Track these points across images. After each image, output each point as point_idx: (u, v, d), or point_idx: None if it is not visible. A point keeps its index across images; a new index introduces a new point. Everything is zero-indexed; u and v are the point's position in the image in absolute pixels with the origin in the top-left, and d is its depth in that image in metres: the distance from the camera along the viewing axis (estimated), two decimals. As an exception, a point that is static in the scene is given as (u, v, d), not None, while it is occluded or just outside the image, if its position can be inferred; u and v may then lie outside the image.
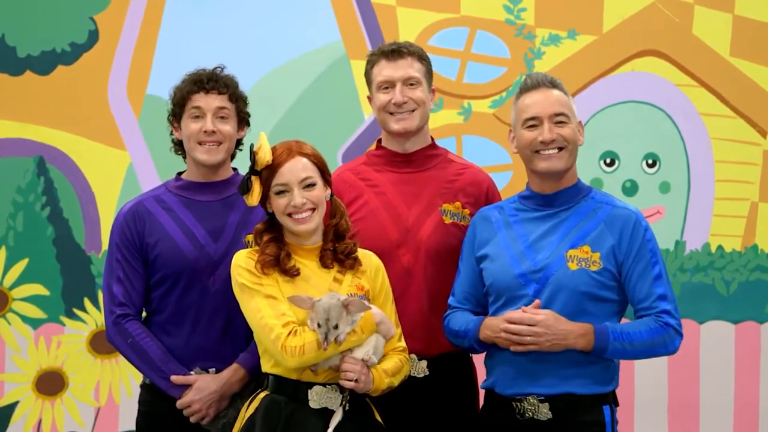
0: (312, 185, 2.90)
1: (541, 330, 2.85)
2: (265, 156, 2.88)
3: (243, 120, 3.24)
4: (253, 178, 2.89)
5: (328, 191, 2.96)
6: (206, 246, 3.13)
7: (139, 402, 3.22)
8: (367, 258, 3.00)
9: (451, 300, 3.11)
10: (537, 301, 2.89)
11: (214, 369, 3.11)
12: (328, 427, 2.80)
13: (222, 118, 3.16)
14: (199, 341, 3.12)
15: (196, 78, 3.17)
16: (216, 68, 3.22)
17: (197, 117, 3.15)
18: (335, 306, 2.76)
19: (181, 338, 3.13)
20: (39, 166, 4.68)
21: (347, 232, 2.97)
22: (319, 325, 2.76)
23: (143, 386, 3.21)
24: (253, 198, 2.90)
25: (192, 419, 3.08)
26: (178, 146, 3.26)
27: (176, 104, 3.19)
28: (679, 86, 4.68)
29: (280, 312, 2.82)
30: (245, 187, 2.90)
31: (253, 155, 2.89)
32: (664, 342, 2.88)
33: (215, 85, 3.16)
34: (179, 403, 3.08)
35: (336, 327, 2.76)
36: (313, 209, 2.90)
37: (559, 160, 2.96)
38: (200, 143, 3.15)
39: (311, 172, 2.90)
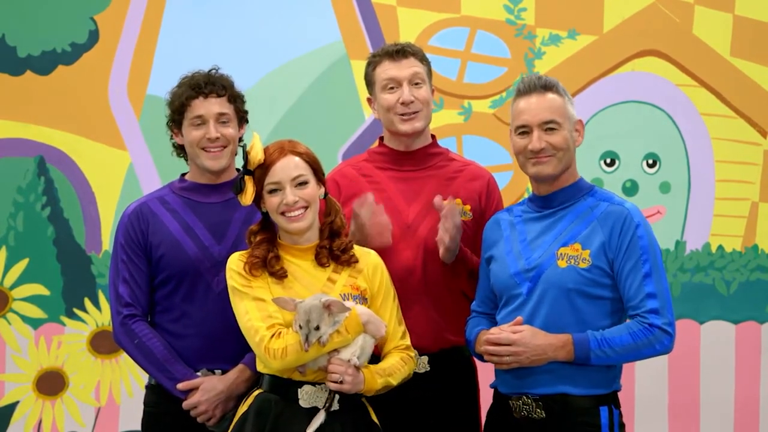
0: (304, 183, 2.89)
1: (519, 349, 2.86)
2: (257, 155, 2.88)
3: (242, 119, 3.24)
4: (246, 177, 2.90)
5: (322, 190, 2.95)
6: (210, 247, 3.13)
7: (145, 403, 3.21)
8: (366, 256, 2.98)
9: (472, 304, 3.13)
10: (519, 318, 2.90)
11: (220, 370, 3.11)
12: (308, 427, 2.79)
13: (223, 122, 3.16)
14: (204, 342, 3.12)
15: (193, 83, 3.16)
16: (211, 70, 3.21)
17: (199, 124, 3.15)
18: (315, 307, 2.74)
19: (186, 339, 3.13)
20: (39, 166, 4.67)
21: (342, 229, 2.96)
22: (300, 327, 2.75)
23: (149, 387, 3.21)
24: (247, 197, 2.90)
25: (199, 419, 3.08)
26: (179, 149, 3.26)
27: (175, 111, 3.18)
28: (679, 86, 4.67)
29: (267, 314, 2.82)
30: (238, 187, 2.90)
31: (245, 155, 2.90)
32: (650, 343, 2.85)
33: (213, 88, 3.15)
34: (185, 404, 3.08)
35: (317, 328, 2.74)
36: (306, 207, 2.89)
37: (547, 166, 2.96)
38: (204, 149, 3.15)
39: (303, 170, 2.90)
